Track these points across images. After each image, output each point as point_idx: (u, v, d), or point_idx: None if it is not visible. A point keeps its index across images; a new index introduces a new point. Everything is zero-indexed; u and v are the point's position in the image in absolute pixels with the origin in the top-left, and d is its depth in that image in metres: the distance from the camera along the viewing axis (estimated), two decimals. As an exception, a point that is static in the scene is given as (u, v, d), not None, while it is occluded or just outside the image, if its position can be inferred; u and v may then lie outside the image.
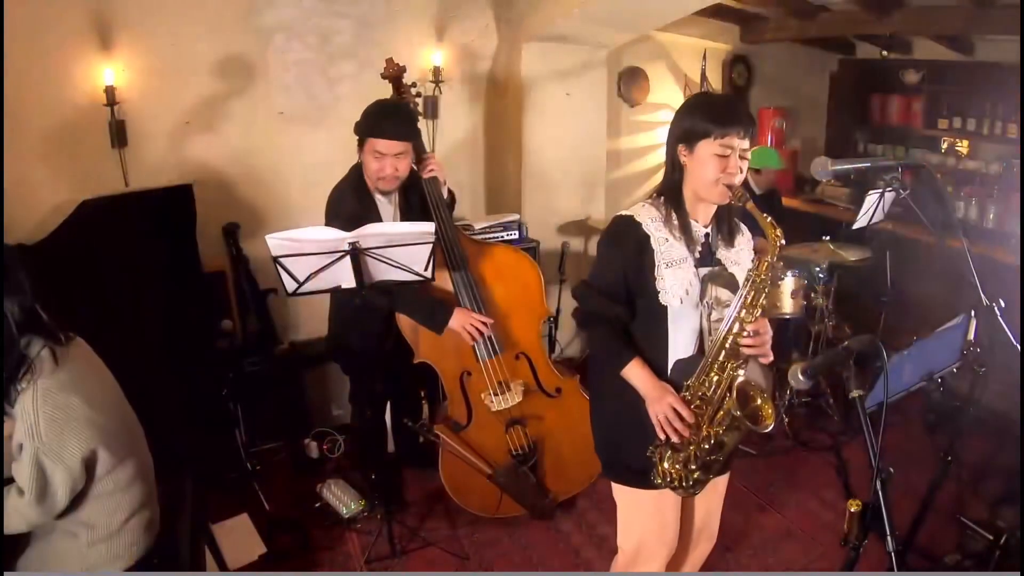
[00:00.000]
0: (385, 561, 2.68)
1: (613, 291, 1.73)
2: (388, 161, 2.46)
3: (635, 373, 1.71)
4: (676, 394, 1.68)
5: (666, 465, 1.71)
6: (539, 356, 2.79)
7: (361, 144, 2.49)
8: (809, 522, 2.91)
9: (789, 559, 2.70)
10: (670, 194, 1.74)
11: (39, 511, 1.63)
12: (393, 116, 2.51)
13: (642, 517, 1.89)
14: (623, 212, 1.76)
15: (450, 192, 2.77)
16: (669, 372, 1.74)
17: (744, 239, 1.84)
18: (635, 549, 1.93)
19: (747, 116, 1.64)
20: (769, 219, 1.63)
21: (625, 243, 1.71)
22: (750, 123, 1.64)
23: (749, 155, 1.67)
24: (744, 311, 1.64)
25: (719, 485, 1.97)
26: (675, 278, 1.68)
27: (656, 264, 1.68)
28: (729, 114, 1.62)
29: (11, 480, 1.65)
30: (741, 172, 1.65)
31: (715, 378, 1.67)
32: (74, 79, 3.01)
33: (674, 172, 1.73)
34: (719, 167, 1.62)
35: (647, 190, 3.96)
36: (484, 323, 2.59)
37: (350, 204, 2.52)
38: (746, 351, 1.66)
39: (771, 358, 1.71)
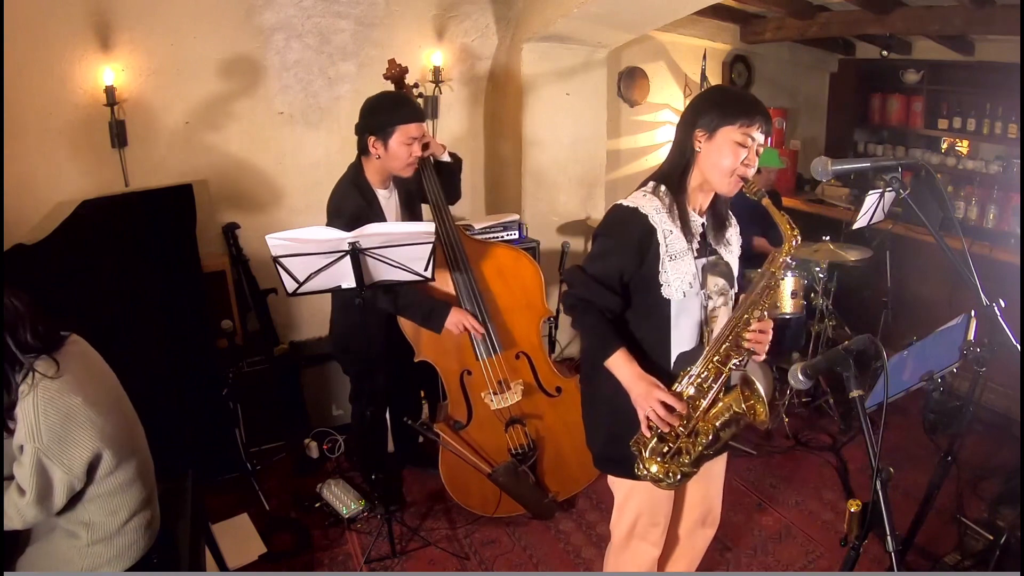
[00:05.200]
0: (385, 561, 2.68)
1: (607, 280, 1.71)
2: (416, 144, 2.50)
3: (619, 364, 1.68)
4: (663, 386, 1.65)
5: (647, 458, 1.68)
6: (539, 355, 2.79)
7: (383, 137, 2.47)
8: (809, 522, 2.90)
9: (789, 559, 2.70)
10: (674, 181, 1.72)
11: (38, 511, 1.63)
12: (408, 101, 2.57)
13: (637, 501, 1.88)
14: (625, 203, 1.72)
15: (452, 155, 2.77)
16: (672, 366, 1.73)
17: (733, 228, 1.84)
18: (628, 529, 1.93)
19: (767, 113, 1.65)
20: (786, 217, 1.64)
21: (628, 234, 1.68)
22: (769, 121, 1.65)
23: (762, 152, 1.67)
24: (753, 307, 1.64)
25: (714, 470, 1.95)
26: (678, 271, 1.67)
27: (660, 257, 1.67)
28: (753, 107, 1.63)
29: (10, 478, 1.66)
30: (755, 166, 1.65)
31: (713, 370, 1.66)
32: (74, 79, 3.01)
33: (683, 157, 1.70)
34: (738, 156, 1.62)
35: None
36: (477, 329, 2.61)
37: (354, 201, 2.53)
38: (748, 345, 1.65)
39: (763, 356, 1.70)
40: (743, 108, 1.62)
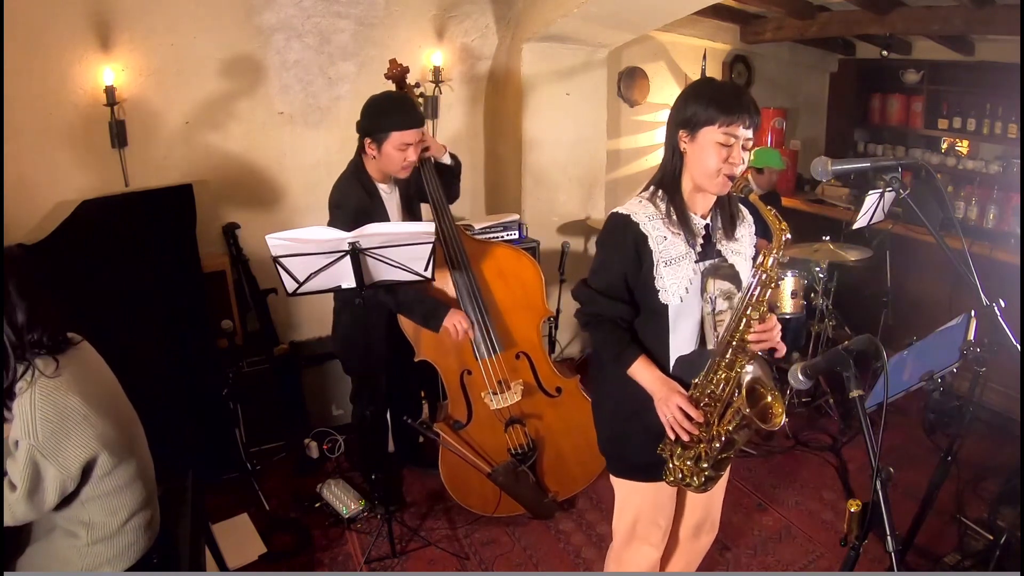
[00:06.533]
0: (385, 561, 2.68)
1: (613, 290, 1.71)
2: (411, 150, 2.50)
3: (641, 372, 1.69)
4: (684, 393, 1.66)
5: (676, 463, 1.70)
6: (539, 356, 2.79)
7: (377, 140, 2.49)
8: (809, 522, 2.90)
9: (789, 559, 2.70)
10: (668, 183, 1.71)
11: (28, 507, 1.62)
12: (408, 106, 2.56)
13: (637, 501, 1.89)
14: (619, 210, 1.71)
15: (453, 157, 2.78)
16: (671, 369, 1.73)
17: (746, 227, 1.80)
18: (628, 530, 1.93)
19: (753, 106, 1.60)
20: (773, 212, 1.62)
21: (622, 242, 1.68)
22: (755, 113, 1.60)
23: (751, 146, 1.64)
24: (751, 308, 1.63)
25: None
26: (674, 276, 1.66)
27: (655, 263, 1.66)
28: (735, 102, 1.58)
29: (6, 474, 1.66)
30: (743, 163, 1.62)
31: (723, 376, 1.65)
32: (74, 79, 3.01)
33: (673, 158, 1.69)
34: (721, 156, 1.59)
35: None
36: (467, 328, 2.59)
37: (358, 196, 2.54)
38: (754, 347, 1.64)
39: (783, 350, 1.69)
40: (723, 107, 1.58)
